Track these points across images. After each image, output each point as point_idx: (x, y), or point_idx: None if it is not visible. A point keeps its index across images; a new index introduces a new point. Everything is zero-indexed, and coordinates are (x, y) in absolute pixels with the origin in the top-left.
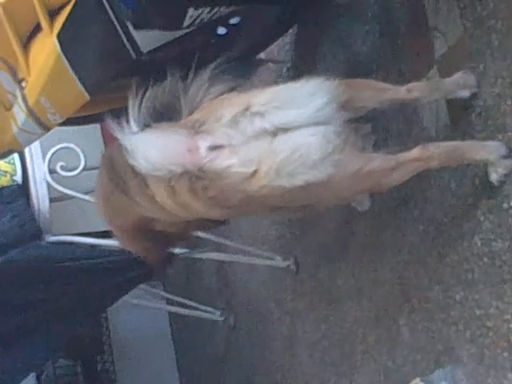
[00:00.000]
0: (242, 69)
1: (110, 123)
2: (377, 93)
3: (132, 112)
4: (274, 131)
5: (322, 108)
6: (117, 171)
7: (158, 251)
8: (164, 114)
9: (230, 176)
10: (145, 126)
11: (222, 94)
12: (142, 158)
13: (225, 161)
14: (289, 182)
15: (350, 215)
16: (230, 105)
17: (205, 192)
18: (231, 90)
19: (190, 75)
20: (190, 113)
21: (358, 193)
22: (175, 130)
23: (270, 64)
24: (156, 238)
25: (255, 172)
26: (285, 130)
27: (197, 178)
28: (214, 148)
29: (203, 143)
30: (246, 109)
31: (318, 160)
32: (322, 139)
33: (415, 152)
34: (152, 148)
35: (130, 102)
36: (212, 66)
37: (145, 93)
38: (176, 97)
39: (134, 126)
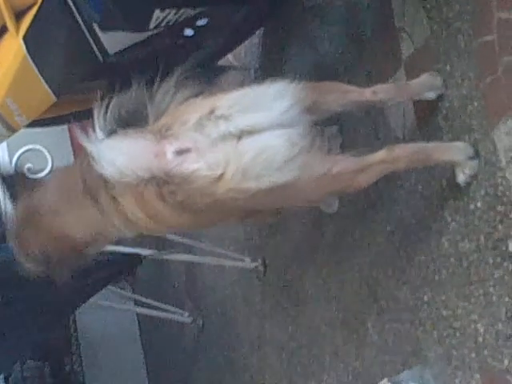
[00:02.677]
0: (208, 74)
1: (77, 131)
2: (342, 95)
3: (98, 120)
4: (239, 134)
5: (286, 111)
6: (88, 184)
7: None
8: (130, 121)
9: (197, 180)
10: (111, 133)
11: (188, 99)
12: (108, 164)
13: (191, 164)
14: (255, 185)
15: (319, 217)
16: (195, 109)
17: (173, 197)
18: (197, 95)
19: (156, 81)
20: (157, 119)
21: (325, 195)
22: (141, 136)
23: (236, 64)
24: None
25: (222, 175)
26: (250, 132)
27: (164, 182)
28: (181, 152)
29: (170, 147)
30: (211, 112)
31: (284, 162)
32: (287, 141)
33: (381, 154)
34: (118, 154)
35: (96, 110)
36: (178, 71)
37: (110, 101)
38: (142, 104)
39: (99, 134)
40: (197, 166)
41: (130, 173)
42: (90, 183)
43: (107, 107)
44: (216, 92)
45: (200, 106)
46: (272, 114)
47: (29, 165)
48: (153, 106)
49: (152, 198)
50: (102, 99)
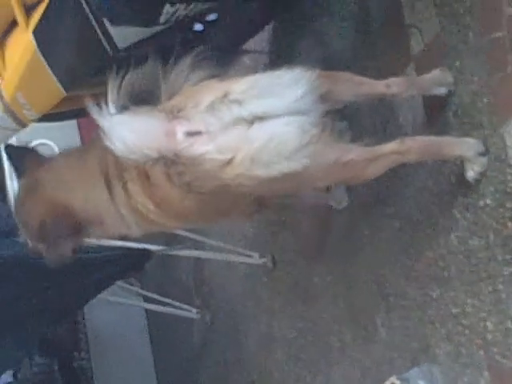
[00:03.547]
0: (223, 57)
1: (89, 105)
2: (355, 86)
3: (111, 94)
4: (252, 119)
5: (300, 98)
6: (106, 170)
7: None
8: (143, 98)
9: (206, 162)
10: (123, 109)
11: (201, 80)
12: (118, 140)
13: (201, 147)
14: (263, 172)
15: (327, 213)
16: (209, 91)
17: (180, 178)
18: (211, 77)
19: (171, 61)
20: (169, 98)
21: (334, 183)
22: (153, 114)
23: (247, 61)
24: None
25: (231, 160)
26: (262, 118)
27: (172, 163)
28: (192, 134)
29: (180, 128)
30: (225, 96)
31: (294, 150)
32: (298, 129)
33: (393, 145)
34: (129, 130)
35: (110, 84)
36: (193, 53)
37: (125, 76)
38: (156, 81)
39: (112, 108)
40: (206, 148)
41: (138, 150)
42: (108, 170)
43: (121, 82)
44: (230, 75)
45: (214, 89)
46: (286, 101)
47: None
48: (166, 85)
49: (159, 178)
50: (117, 74)
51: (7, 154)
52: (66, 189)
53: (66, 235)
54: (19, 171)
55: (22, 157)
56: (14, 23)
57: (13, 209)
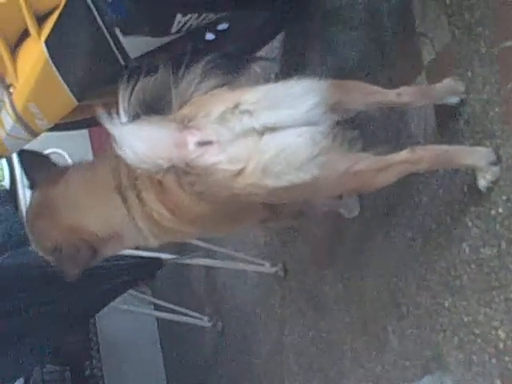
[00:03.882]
0: (234, 65)
1: (100, 113)
2: (367, 95)
3: (122, 103)
4: (262, 130)
5: (312, 109)
6: (120, 182)
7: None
8: (154, 106)
9: (217, 172)
10: (134, 118)
11: (212, 89)
12: (129, 150)
13: (212, 157)
14: (274, 182)
15: (339, 222)
16: (220, 101)
17: (192, 187)
18: (222, 85)
19: (182, 69)
20: (180, 106)
21: (344, 192)
22: (164, 124)
23: (258, 70)
24: None
25: (242, 170)
26: (273, 129)
27: (184, 173)
28: (203, 144)
29: (192, 138)
30: (236, 106)
31: (304, 161)
32: (308, 140)
33: (404, 154)
34: (140, 140)
35: (121, 93)
36: (204, 61)
37: (136, 83)
38: (167, 89)
39: (123, 117)
40: (217, 159)
41: (149, 160)
42: (122, 182)
43: (132, 91)
44: (241, 85)
45: (225, 99)
46: (297, 112)
47: None
48: (177, 93)
49: (171, 185)
50: (128, 82)
51: (20, 159)
52: (81, 209)
53: (80, 263)
54: (31, 179)
55: (35, 164)
56: (25, 33)
57: (24, 220)
